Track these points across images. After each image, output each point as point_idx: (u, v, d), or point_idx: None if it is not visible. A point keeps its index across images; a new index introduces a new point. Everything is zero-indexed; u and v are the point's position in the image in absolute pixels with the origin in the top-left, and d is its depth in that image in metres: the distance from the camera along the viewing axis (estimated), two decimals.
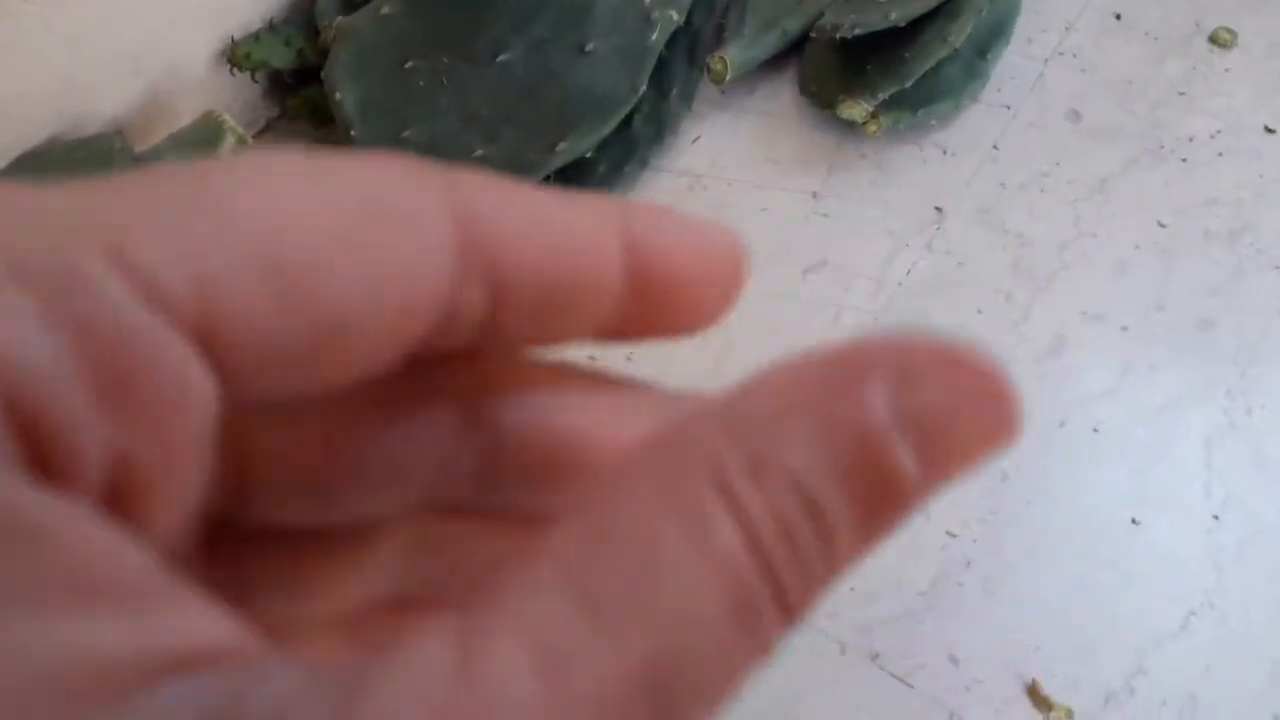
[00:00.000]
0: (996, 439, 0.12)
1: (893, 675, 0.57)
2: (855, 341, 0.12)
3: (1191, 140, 0.77)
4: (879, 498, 0.12)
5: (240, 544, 0.15)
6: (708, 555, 0.11)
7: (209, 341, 0.11)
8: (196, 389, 0.11)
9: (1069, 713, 0.56)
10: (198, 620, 0.10)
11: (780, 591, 0.12)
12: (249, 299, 0.11)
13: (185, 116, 0.71)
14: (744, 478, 0.11)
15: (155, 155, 0.67)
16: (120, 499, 0.11)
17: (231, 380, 0.12)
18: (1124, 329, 0.68)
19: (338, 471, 0.15)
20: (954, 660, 0.58)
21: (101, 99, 0.71)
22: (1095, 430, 0.65)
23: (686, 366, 0.69)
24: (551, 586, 0.11)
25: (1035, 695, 0.57)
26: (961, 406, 0.12)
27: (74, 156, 0.67)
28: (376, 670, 0.10)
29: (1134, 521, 0.62)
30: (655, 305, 0.15)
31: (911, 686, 0.57)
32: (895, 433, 0.12)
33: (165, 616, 0.10)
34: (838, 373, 0.12)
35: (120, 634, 0.09)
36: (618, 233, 0.15)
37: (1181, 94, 0.79)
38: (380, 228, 0.12)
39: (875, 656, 0.58)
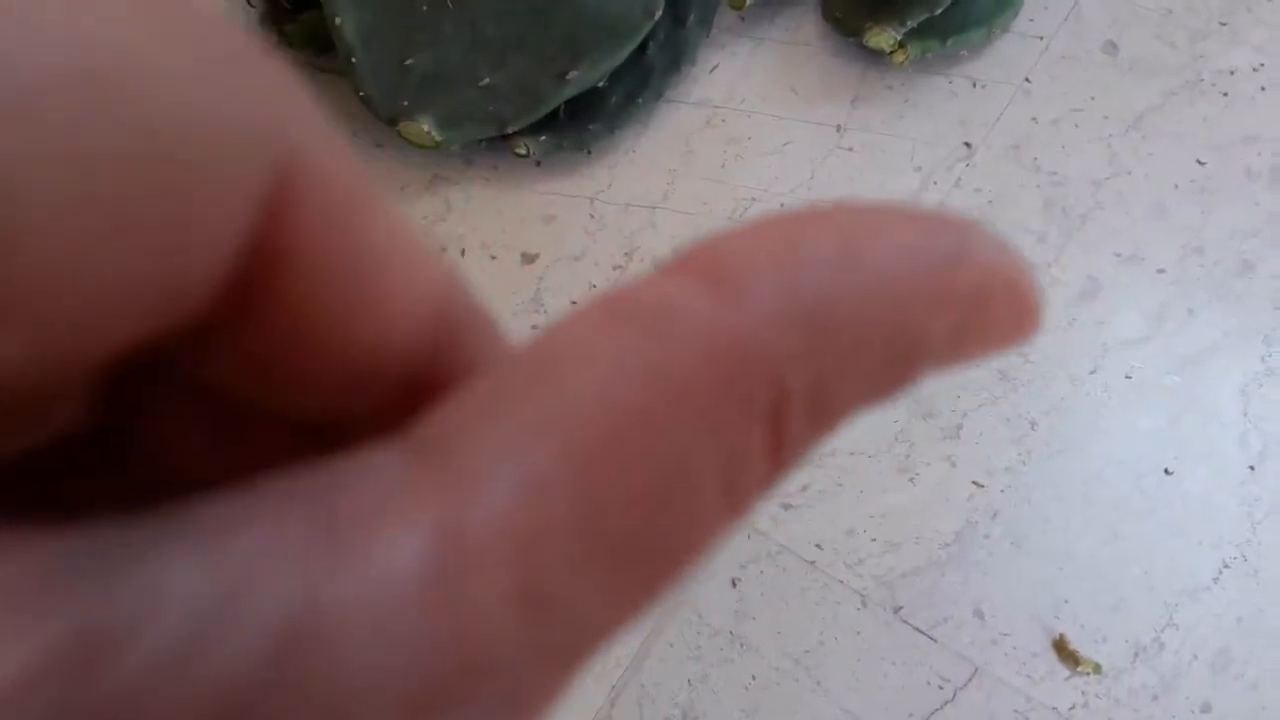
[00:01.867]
0: (1011, 347, 0.12)
1: (916, 629, 0.56)
2: (947, 230, 0.11)
3: (1233, 73, 0.73)
4: (890, 389, 0.12)
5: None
6: (734, 500, 0.10)
7: None
8: None
9: (1097, 667, 0.55)
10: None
11: (773, 478, 0.11)
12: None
13: None
14: (801, 414, 0.11)
15: None
16: None
17: None
18: (1160, 272, 0.66)
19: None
20: (979, 614, 0.56)
21: None
22: (1128, 377, 0.62)
23: None
24: (555, 475, 0.09)
25: (1063, 650, 0.55)
26: (1004, 332, 0.12)
27: None
28: (343, 576, 0.09)
29: (1167, 472, 0.60)
30: (416, 396, 0.12)
31: (935, 640, 0.55)
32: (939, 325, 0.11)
33: None
34: (928, 279, 0.11)
35: None
36: (432, 312, 0.11)
37: (1223, 24, 0.75)
38: (163, 184, 0.08)
39: (898, 609, 0.56)
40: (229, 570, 0.09)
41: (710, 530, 0.10)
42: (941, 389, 0.63)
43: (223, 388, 0.11)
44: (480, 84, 0.71)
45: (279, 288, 0.10)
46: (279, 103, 0.10)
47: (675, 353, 0.10)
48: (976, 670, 0.55)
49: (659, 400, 0.10)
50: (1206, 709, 0.53)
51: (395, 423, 0.11)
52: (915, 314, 0.11)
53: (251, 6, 0.76)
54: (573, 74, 0.71)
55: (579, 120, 0.73)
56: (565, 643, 0.10)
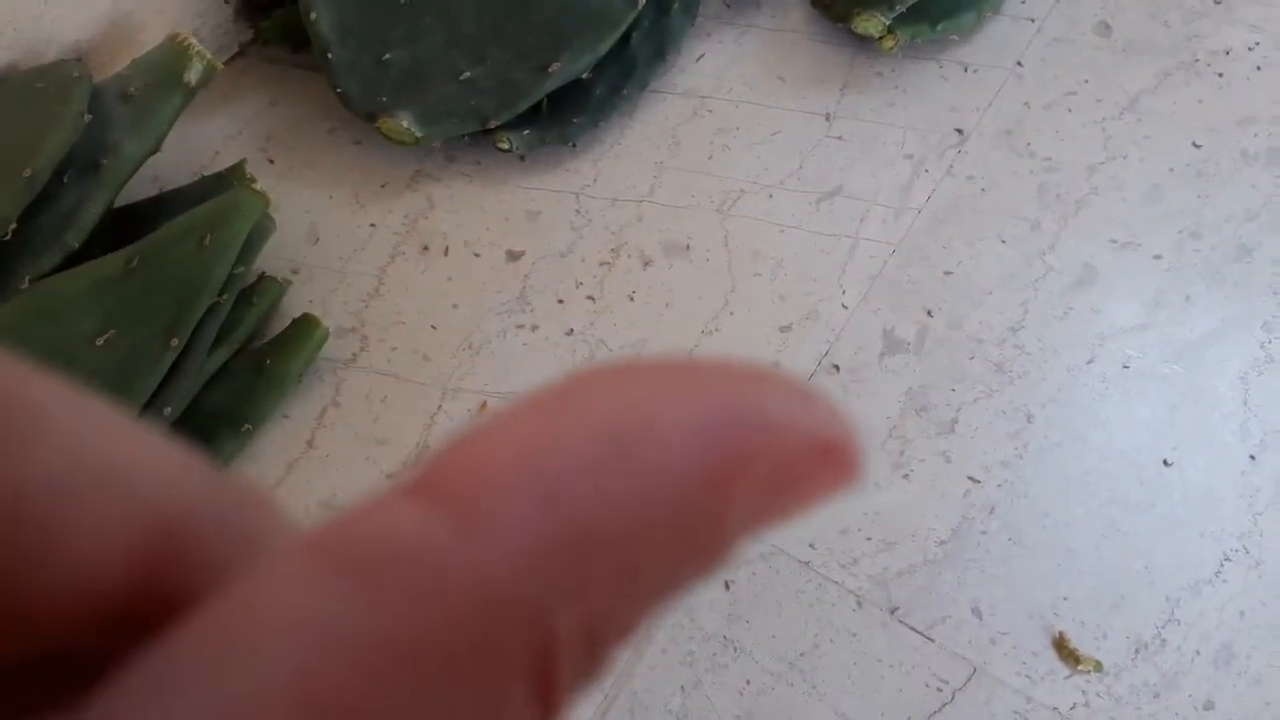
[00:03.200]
0: (829, 497, 0.11)
1: (913, 629, 0.55)
2: (721, 406, 0.10)
3: (1228, 54, 0.72)
4: (698, 574, 0.10)
5: None
6: None
7: None
8: None
9: (1098, 665, 0.54)
10: None
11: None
12: None
13: (150, 41, 0.66)
14: (573, 652, 0.09)
15: (118, 83, 0.63)
16: None
17: None
18: (1156, 258, 0.64)
19: None
20: (977, 613, 0.55)
21: (61, 23, 0.66)
22: (1126, 367, 0.61)
23: (692, 306, 0.66)
24: None
25: (1063, 648, 0.54)
26: (817, 492, 0.10)
27: (33, 86, 0.62)
28: None
29: (1166, 463, 0.58)
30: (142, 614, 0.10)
31: (932, 641, 0.54)
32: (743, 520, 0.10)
33: None
34: (709, 474, 0.09)
35: None
36: (148, 527, 0.10)
37: (1218, 3, 0.74)
38: None
39: (894, 609, 0.55)
40: None
41: None
42: (935, 383, 0.61)
43: None
44: (460, 78, 0.70)
45: None
46: None
47: (401, 609, 0.08)
48: (975, 671, 0.54)
49: (375, 673, 0.08)
50: (1209, 706, 0.52)
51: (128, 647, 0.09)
52: (708, 505, 0.09)
53: (226, 3, 0.74)
54: (555, 66, 0.69)
55: (562, 113, 0.72)
56: None
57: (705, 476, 0.09)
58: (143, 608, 0.09)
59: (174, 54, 0.63)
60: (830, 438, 0.10)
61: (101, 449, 0.09)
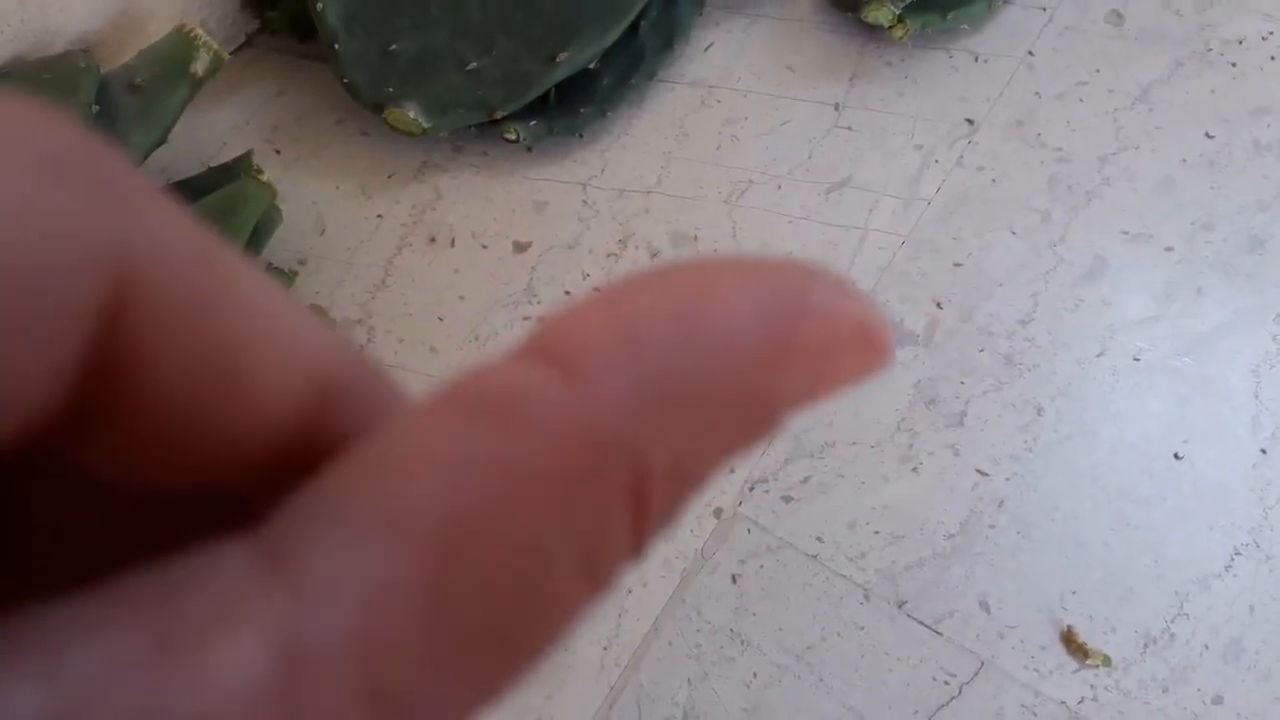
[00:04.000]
0: (861, 380, 0.12)
1: (920, 623, 0.54)
2: (784, 286, 0.12)
3: (1241, 43, 0.71)
4: (753, 440, 0.12)
5: None
6: (596, 579, 0.11)
7: None
8: None
9: (1106, 659, 0.54)
10: None
11: (639, 549, 0.11)
12: None
13: (157, 32, 0.66)
14: (662, 488, 0.11)
15: (125, 74, 0.62)
16: None
17: None
18: (1168, 250, 0.64)
19: None
20: (985, 606, 0.55)
21: (66, 14, 0.66)
22: (1136, 359, 0.61)
23: None
24: (398, 580, 0.09)
25: (1071, 642, 0.54)
26: (854, 370, 0.12)
27: (40, 78, 0.62)
28: (176, 691, 0.09)
29: (1177, 456, 0.58)
30: (300, 461, 0.12)
31: (940, 634, 0.54)
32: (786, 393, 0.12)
33: None
34: (773, 338, 0.11)
35: None
36: (316, 382, 0.11)
37: None
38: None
39: (902, 603, 0.55)
40: (66, 689, 0.08)
41: (569, 611, 0.11)
42: (944, 375, 0.61)
43: (109, 479, 0.11)
44: (467, 68, 0.69)
45: (135, 382, 0.10)
46: (111, 213, 0.09)
47: (526, 445, 0.10)
48: (983, 664, 0.53)
49: (509, 495, 0.10)
50: (1218, 700, 0.52)
51: (280, 494, 0.11)
52: (764, 372, 0.11)
53: None
54: (562, 56, 0.69)
55: (570, 103, 0.71)
56: None
57: (767, 345, 0.11)
58: (299, 455, 0.11)
59: (181, 45, 0.62)
60: (867, 323, 0.12)
61: (274, 311, 0.11)
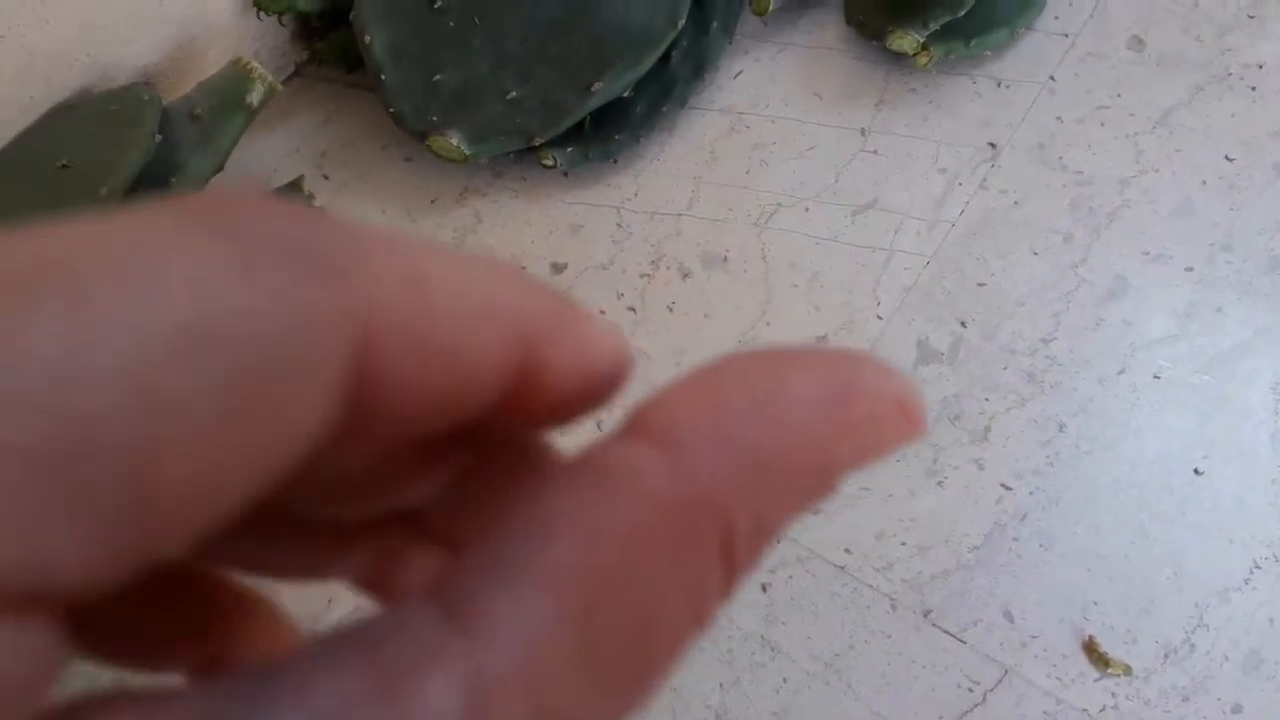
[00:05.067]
0: (899, 446, 0.15)
1: (945, 632, 0.56)
2: (842, 371, 0.14)
3: (1261, 67, 0.73)
4: (814, 499, 0.14)
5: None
6: (699, 618, 0.13)
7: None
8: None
9: (1127, 669, 0.55)
10: None
11: (729, 592, 0.14)
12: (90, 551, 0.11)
13: (213, 64, 0.69)
14: (747, 540, 0.13)
15: (185, 105, 0.66)
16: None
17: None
18: (1188, 270, 0.66)
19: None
20: (1009, 616, 0.56)
21: (130, 48, 0.70)
22: (1157, 377, 0.62)
23: (730, 317, 0.68)
24: (552, 624, 0.12)
25: (1092, 652, 0.55)
26: (896, 437, 0.15)
27: (107, 109, 0.65)
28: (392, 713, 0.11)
29: (1197, 471, 0.60)
30: (528, 407, 0.15)
31: (965, 643, 0.56)
32: (844, 460, 0.14)
33: None
34: (829, 415, 0.14)
35: None
36: (518, 337, 0.14)
37: (1251, 17, 0.75)
38: (255, 401, 0.11)
39: (927, 613, 0.57)
40: (322, 713, 0.11)
41: (681, 642, 0.13)
42: (969, 392, 0.63)
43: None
44: (507, 98, 0.72)
45: (377, 395, 0.13)
46: (345, 289, 0.12)
47: (642, 513, 0.13)
48: (1006, 672, 0.55)
49: (632, 553, 0.13)
50: (1238, 710, 0.54)
51: (508, 417, 0.15)
52: (826, 444, 0.14)
53: (283, 26, 0.77)
54: (597, 85, 0.72)
55: (605, 130, 0.74)
56: None
57: (828, 423, 0.14)
58: (520, 387, 0.14)
59: (237, 76, 0.66)
60: (906, 399, 0.15)
61: (472, 287, 0.14)
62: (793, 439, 0.14)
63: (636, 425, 0.14)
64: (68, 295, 0.10)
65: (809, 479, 0.14)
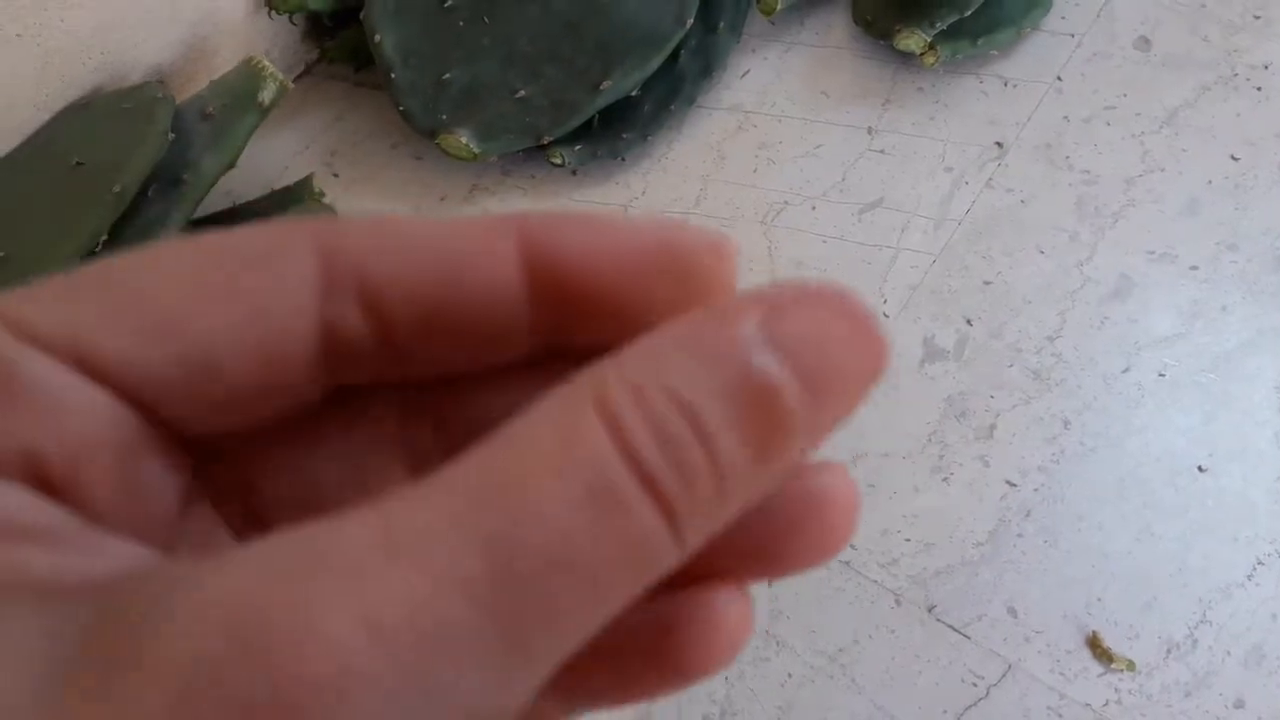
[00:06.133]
0: (866, 359, 0.13)
1: (950, 627, 0.57)
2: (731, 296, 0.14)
3: (1267, 68, 0.73)
4: (762, 417, 0.13)
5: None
6: (572, 456, 0.12)
7: (94, 372, 0.14)
8: (75, 399, 0.14)
9: (1130, 664, 0.55)
10: (105, 553, 0.13)
11: (660, 498, 0.12)
12: (117, 342, 0.14)
13: (225, 63, 0.70)
14: (623, 395, 0.12)
15: (198, 103, 0.67)
16: (45, 479, 0.13)
17: (150, 398, 0.14)
18: (1193, 269, 0.66)
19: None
20: (1013, 612, 0.57)
21: (142, 47, 0.70)
22: (1161, 375, 0.63)
23: None
24: (427, 491, 0.12)
25: (1096, 647, 0.56)
26: (828, 332, 0.13)
27: (120, 107, 0.66)
28: (223, 558, 0.12)
29: (1201, 469, 0.60)
30: (580, 309, 0.15)
31: (969, 638, 0.56)
32: (767, 352, 0.13)
33: (78, 552, 0.12)
34: (713, 314, 0.13)
35: (39, 559, 0.12)
36: (510, 233, 0.15)
37: (1257, 17, 0.75)
38: (240, 278, 0.14)
39: (932, 608, 0.57)
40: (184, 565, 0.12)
41: (561, 503, 0.12)
42: (974, 390, 0.63)
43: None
44: (516, 96, 0.73)
45: (400, 321, 0.15)
46: (308, 227, 0.15)
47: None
48: (1010, 667, 0.55)
49: (505, 440, 0.13)
50: (1240, 705, 0.54)
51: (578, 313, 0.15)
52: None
53: (294, 25, 0.78)
54: (606, 84, 0.72)
55: (613, 129, 0.75)
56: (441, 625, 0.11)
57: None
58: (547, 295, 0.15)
59: (249, 75, 0.66)
60: (839, 302, 0.13)
61: (446, 226, 0.15)
62: (666, 332, 0.13)
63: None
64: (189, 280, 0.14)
65: (708, 358, 0.12)
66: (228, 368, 0.14)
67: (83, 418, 0.14)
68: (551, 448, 0.12)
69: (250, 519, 0.16)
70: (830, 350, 0.13)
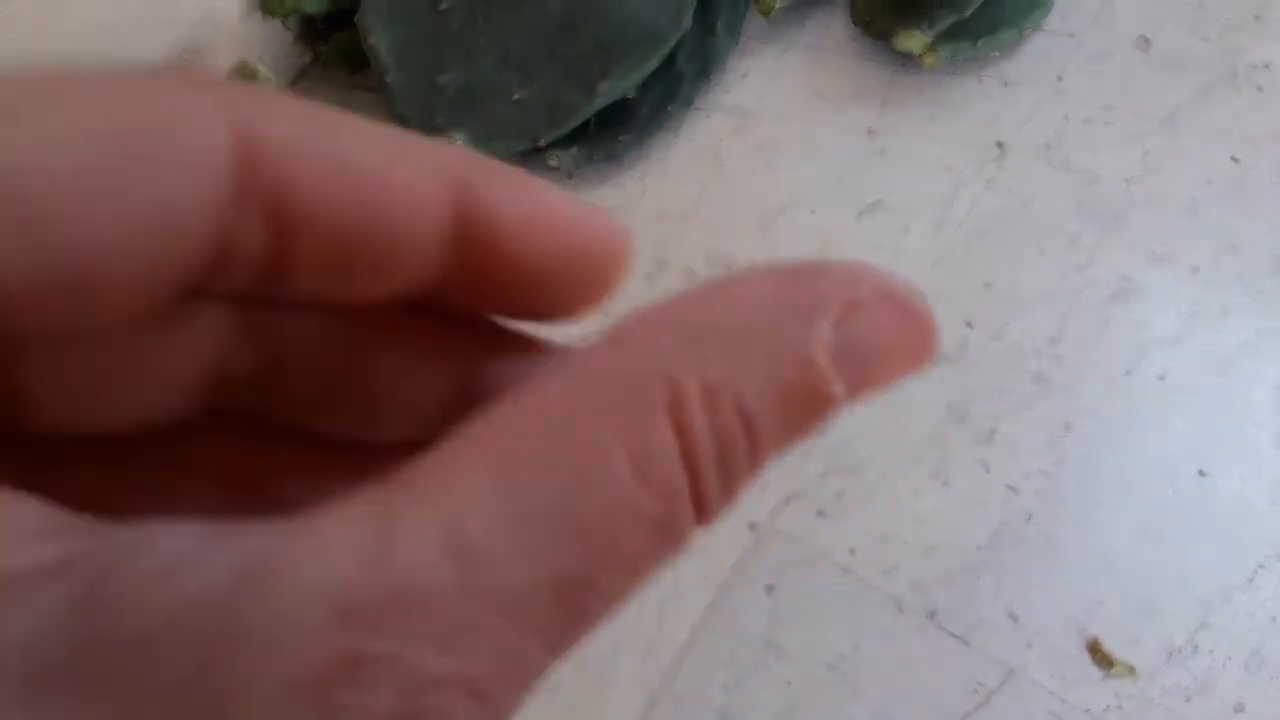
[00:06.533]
0: (917, 364, 0.15)
1: (950, 633, 0.56)
2: (808, 267, 0.14)
3: (1268, 68, 0.73)
4: (806, 413, 0.14)
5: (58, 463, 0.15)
6: (646, 480, 0.12)
7: None
8: None
9: (1131, 669, 0.55)
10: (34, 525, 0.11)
11: (701, 498, 0.13)
12: None
13: (219, 68, 0.70)
14: (698, 403, 0.13)
15: None
16: None
17: None
18: (1194, 271, 0.66)
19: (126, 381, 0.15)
20: (1013, 617, 0.57)
21: (137, 52, 0.70)
22: (1162, 378, 0.62)
23: None
24: (475, 471, 0.12)
25: (1096, 653, 0.56)
26: (893, 340, 0.14)
27: None
28: (290, 542, 0.11)
29: (1201, 473, 0.60)
30: (496, 275, 0.15)
31: (969, 644, 0.56)
32: (833, 367, 0.14)
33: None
34: (793, 300, 0.13)
35: None
36: (447, 181, 0.14)
37: (1258, 18, 0.75)
38: (138, 165, 0.12)
39: (932, 614, 0.57)
40: (205, 530, 0.11)
41: (629, 504, 0.12)
42: (975, 393, 0.63)
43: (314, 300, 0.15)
44: (512, 99, 0.73)
45: (306, 216, 0.13)
46: (220, 96, 0.13)
47: (579, 378, 0.13)
48: (1011, 673, 0.55)
49: (565, 411, 0.12)
50: (1240, 709, 0.54)
51: (480, 283, 0.14)
52: (784, 316, 0.14)
53: (287, 28, 0.78)
54: (603, 85, 0.72)
55: (610, 131, 0.74)
56: (501, 589, 0.11)
57: (784, 295, 0.13)
58: (462, 241, 0.14)
59: (242, 80, 0.66)
60: (907, 304, 0.14)
61: (383, 135, 0.14)
62: (746, 313, 0.13)
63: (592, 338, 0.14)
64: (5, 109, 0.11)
65: (778, 359, 0.13)
66: (106, 281, 0.12)
67: None
68: (624, 465, 0.12)
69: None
70: (892, 364, 0.14)
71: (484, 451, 0.12)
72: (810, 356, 0.13)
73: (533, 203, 0.15)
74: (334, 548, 0.11)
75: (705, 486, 0.13)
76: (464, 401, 0.16)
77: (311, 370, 0.15)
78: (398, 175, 0.13)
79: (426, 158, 0.14)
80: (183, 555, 0.10)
